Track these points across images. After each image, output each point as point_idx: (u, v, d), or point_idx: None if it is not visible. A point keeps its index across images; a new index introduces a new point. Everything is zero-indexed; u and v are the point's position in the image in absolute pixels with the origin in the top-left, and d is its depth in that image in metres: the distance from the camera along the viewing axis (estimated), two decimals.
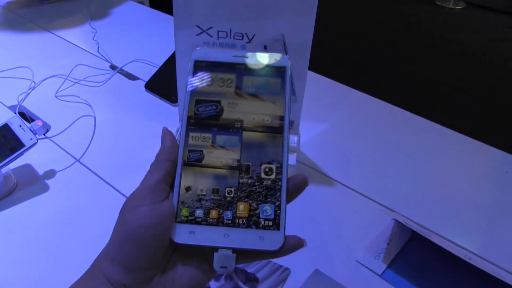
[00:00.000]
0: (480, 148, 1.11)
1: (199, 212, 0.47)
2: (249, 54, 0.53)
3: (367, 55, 3.44)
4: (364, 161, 1.05)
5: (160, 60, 1.28)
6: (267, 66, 0.53)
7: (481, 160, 1.08)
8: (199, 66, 0.53)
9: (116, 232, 0.46)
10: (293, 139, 1.01)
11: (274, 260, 0.81)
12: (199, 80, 0.52)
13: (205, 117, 0.51)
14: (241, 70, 0.52)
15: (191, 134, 0.50)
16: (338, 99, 1.27)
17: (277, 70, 0.52)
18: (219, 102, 0.51)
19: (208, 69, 0.53)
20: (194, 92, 0.52)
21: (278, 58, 0.53)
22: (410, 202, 0.95)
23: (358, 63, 3.33)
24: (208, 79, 0.52)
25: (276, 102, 0.51)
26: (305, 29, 0.86)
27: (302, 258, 0.82)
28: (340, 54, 3.40)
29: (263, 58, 0.53)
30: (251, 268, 0.79)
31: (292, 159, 1.01)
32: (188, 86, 0.52)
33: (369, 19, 4.06)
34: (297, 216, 0.90)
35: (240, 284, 0.76)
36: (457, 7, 4.38)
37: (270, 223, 0.47)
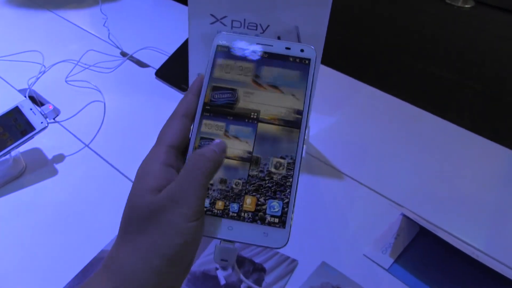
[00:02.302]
0: (488, 146, 1.11)
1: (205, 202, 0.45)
2: (273, 42, 0.51)
3: (375, 50, 3.43)
4: (373, 156, 1.05)
5: (171, 48, 1.28)
6: (291, 56, 0.50)
7: (489, 158, 1.08)
8: (221, 51, 0.51)
9: (155, 243, 0.42)
10: None
11: (282, 251, 0.81)
12: (219, 66, 0.50)
13: (220, 105, 0.49)
14: (264, 58, 0.50)
15: (204, 121, 0.48)
16: (348, 92, 1.27)
17: (301, 62, 0.50)
18: (236, 90, 0.49)
19: (229, 55, 0.51)
20: (212, 77, 0.50)
21: (303, 49, 0.51)
22: (418, 198, 0.95)
23: (366, 58, 3.32)
24: (229, 65, 0.50)
25: (296, 95, 0.49)
26: (319, 21, 0.85)
27: (310, 250, 0.82)
28: (348, 48, 3.39)
29: (288, 48, 0.51)
30: (258, 258, 0.79)
31: None
32: (207, 71, 0.50)
33: (378, 15, 4.04)
34: (305, 208, 0.90)
35: (242, 277, 0.76)
36: (466, 6, 4.35)
37: (276, 220, 0.45)
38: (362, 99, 1.25)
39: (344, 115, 1.17)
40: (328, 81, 1.27)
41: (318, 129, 1.10)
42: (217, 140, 0.47)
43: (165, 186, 0.44)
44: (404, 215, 0.87)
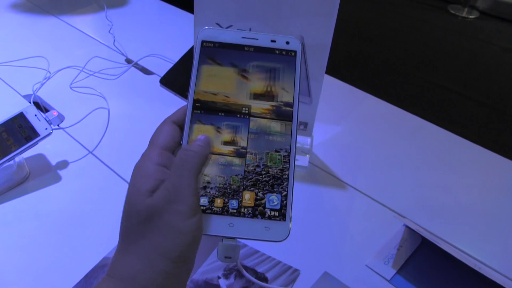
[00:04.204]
0: (491, 158, 1.11)
1: (203, 200, 0.46)
2: (258, 35, 0.51)
3: (380, 61, 3.43)
4: (376, 166, 1.05)
5: (176, 56, 1.28)
6: (277, 49, 0.51)
7: (493, 170, 1.08)
8: (207, 46, 0.50)
9: (161, 246, 0.42)
10: (306, 140, 1.01)
11: (284, 261, 0.81)
12: (205, 62, 0.50)
13: (211, 101, 0.49)
14: (250, 52, 0.50)
15: (196, 118, 0.48)
16: (352, 103, 1.27)
17: (288, 54, 0.51)
18: (225, 85, 0.49)
19: (215, 50, 0.50)
20: (200, 75, 0.49)
21: (289, 41, 0.51)
22: (421, 209, 0.94)
23: (370, 68, 3.32)
24: (215, 61, 0.50)
25: (285, 88, 0.49)
26: (325, 31, 0.85)
27: (312, 260, 0.82)
28: (352, 58, 3.39)
29: (273, 41, 0.51)
30: (260, 267, 0.79)
31: (305, 160, 1.01)
32: (194, 68, 0.50)
33: (382, 25, 4.05)
34: (308, 218, 0.90)
35: (247, 275, 0.76)
36: (470, 16, 4.36)
37: (276, 213, 0.46)
38: (366, 110, 1.25)
39: (348, 125, 1.17)
40: (333, 91, 1.27)
41: (321, 139, 1.10)
42: (201, 136, 0.47)
43: (159, 186, 0.44)
44: (407, 226, 0.87)
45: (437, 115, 2.79)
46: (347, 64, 3.27)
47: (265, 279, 0.78)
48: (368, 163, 1.06)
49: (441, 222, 0.92)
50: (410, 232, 0.87)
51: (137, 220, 0.43)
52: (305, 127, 0.98)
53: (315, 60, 0.89)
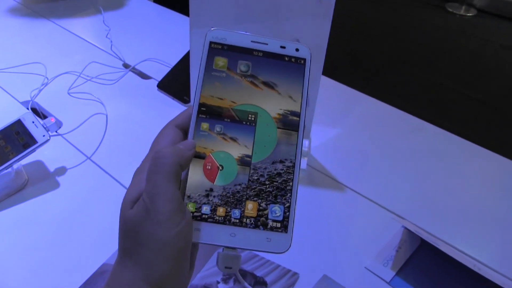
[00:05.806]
0: (491, 158, 1.10)
1: (205, 209, 0.45)
2: (268, 40, 0.49)
3: (377, 60, 3.43)
4: (374, 168, 1.05)
5: (173, 60, 1.28)
6: (287, 56, 0.49)
7: (493, 169, 1.08)
8: (214, 48, 0.49)
9: (158, 255, 0.41)
10: (304, 143, 1.00)
11: (283, 265, 0.81)
12: (213, 64, 0.48)
13: (217, 106, 0.47)
14: (259, 57, 0.49)
15: (201, 124, 0.47)
16: (349, 104, 1.27)
17: (297, 61, 0.49)
18: (233, 91, 0.48)
19: (223, 53, 0.49)
20: (207, 77, 0.48)
21: (298, 48, 0.50)
22: (420, 210, 0.94)
23: (368, 68, 3.32)
24: (223, 64, 0.49)
25: (293, 96, 0.48)
26: (321, 33, 0.85)
27: (311, 263, 0.82)
28: (349, 59, 3.39)
29: (283, 47, 0.50)
30: (260, 271, 0.79)
31: (302, 163, 1.01)
32: (201, 70, 0.48)
33: (379, 24, 4.05)
34: (306, 220, 0.90)
35: (246, 285, 0.76)
36: (468, 14, 4.37)
37: (278, 224, 0.45)
38: (363, 111, 1.25)
39: (345, 127, 1.17)
40: (330, 93, 1.27)
41: (320, 141, 1.10)
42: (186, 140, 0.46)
43: None
44: (406, 228, 0.87)
45: (435, 113, 2.79)
46: (344, 64, 3.27)
47: (264, 283, 0.77)
48: (366, 165, 1.06)
49: (440, 223, 0.92)
50: (409, 234, 0.87)
51: (125, 232, 0.43)
52: None
53: (312, 62, 0.88)
